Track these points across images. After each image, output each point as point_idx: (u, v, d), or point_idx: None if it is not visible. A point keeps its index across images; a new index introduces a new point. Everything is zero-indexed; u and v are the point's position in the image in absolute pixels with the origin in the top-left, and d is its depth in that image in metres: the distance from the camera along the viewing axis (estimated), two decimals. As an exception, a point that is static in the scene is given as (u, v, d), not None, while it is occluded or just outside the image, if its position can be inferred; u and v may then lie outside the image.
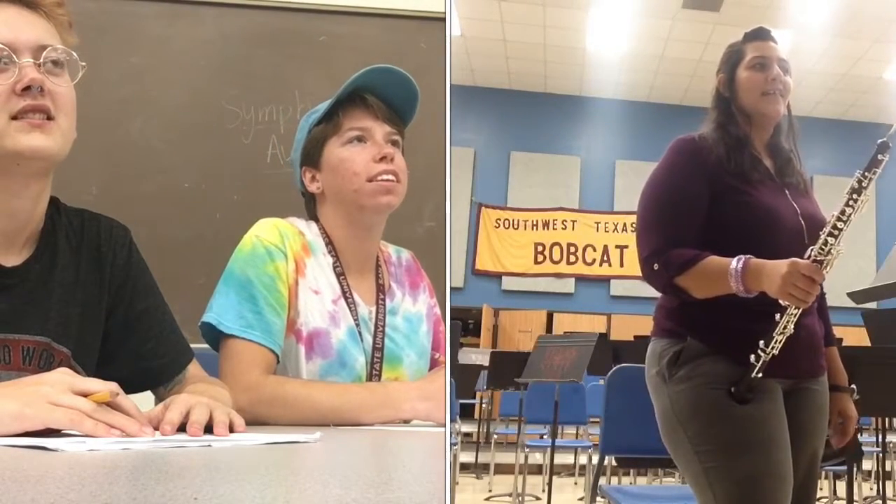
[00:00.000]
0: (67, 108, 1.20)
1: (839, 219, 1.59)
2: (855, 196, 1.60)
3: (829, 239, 1.58)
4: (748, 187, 1.71)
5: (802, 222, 1.72)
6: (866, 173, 1.61)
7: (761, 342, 1.60)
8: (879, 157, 1.61)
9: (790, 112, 1.82)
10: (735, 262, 1.59)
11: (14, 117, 1.15)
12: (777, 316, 1.60)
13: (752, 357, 1.60)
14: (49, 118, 1.17)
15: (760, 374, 1.60)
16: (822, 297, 1.85)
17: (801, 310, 1.58)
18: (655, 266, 1.66)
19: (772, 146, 1.81)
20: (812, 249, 1.58)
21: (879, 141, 1.62)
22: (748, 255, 1.59)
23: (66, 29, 1.24)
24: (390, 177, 1.60)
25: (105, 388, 0.97)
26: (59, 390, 0.95)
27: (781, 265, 1.55)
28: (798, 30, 8.80)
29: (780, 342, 1.60)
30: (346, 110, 1.64)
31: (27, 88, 1.15)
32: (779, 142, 1.82)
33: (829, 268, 1.57)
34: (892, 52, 9.48)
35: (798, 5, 8.38)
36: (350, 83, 1.63)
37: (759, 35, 1.82)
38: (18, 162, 1.16)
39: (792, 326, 1.60)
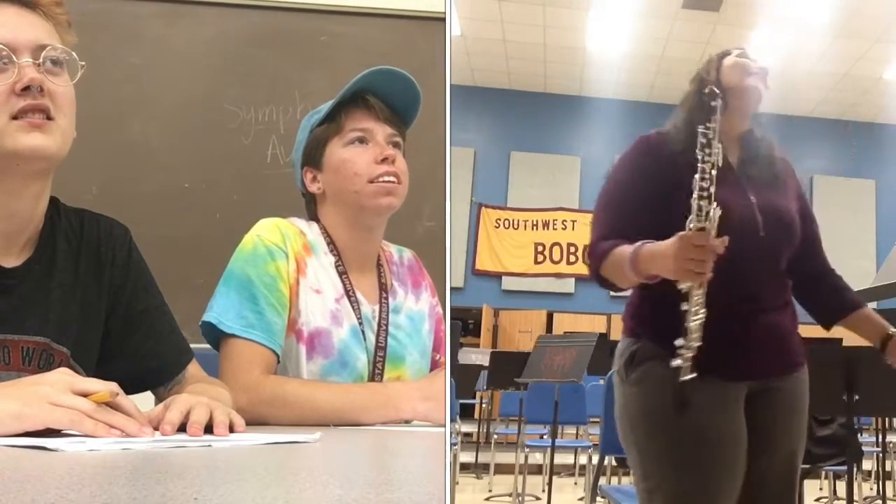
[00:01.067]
0: (67, 107, 1.20)
1: (702, 178, 1.53)
2: (707, 150, 1.54)
3: (701, 203, 1.52)
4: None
5: (759, 216, 1.70)
6: (708, 125, 1.55)
7: (679, 340, 1.52)
8: (712, 104, 1.56)
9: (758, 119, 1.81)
10: (630, 249, 1.55)
11: (14, 117, 1.15)
12: (689, 307, 1.53)
13: (677, 360, 1.52)
14: (48, 118, 1.17)
15: (694, 374, 1.52)
16: (822, 276, 1.84)
17: (704, 289, 1.51)
18: (587, 260, 1.67)
19: (743, 138, 1.79)
20: (690, 220, 1.51)
21: (707, 90, 1.57)
22: (646, 241, 1.54)
23: (65, 28, 1.24)
24: (391, 178, 1.60)
25: (105, 388, 0.97)
26: (58, 390, 0.95)
27: (669, 243, 1.49)
28: (798, 30, 8.80)
29: (696, 332, 1.52)
30: (349, 111, 1.64)
31: (27, 88, 1.15)
32: (751, 134, 1.80)
33: (713, 230, 1.49)
34: (892, 52, 9.48)
35: (798, 5, 8.37)
36: (353, 84, 1.63)
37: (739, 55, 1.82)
38: (18, 162, 1.16)
39: (703, 310, 1.52)
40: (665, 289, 1.59)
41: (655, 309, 1.68)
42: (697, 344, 1.53)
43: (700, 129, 1.56)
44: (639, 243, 1.55)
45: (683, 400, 1.56)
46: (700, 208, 1.51)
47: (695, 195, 1.53)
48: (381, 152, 1.61)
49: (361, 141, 1.63)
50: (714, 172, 1.54)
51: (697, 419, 1.62)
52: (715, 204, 1.51)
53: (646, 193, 1.69)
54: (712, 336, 1.62)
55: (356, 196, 1.61)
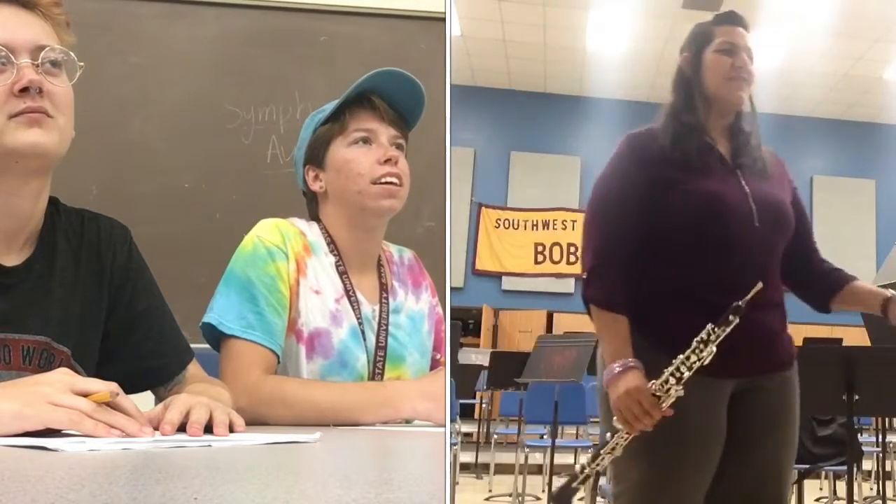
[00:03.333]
0: (65, 107, 1.20)
1: (684, 363, 1.55)
2: (701, 346, 1.56)
3: (670, 378, 1.55)
4: (691, 175, 1.68)
5: (753, 205, 1.68)
6: (716, 329, 1.56)
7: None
8: (731, 317, 1.58)
9: (753, 103, 1.78)
10: (616, 365, 1.59)
11: (12, 118, 1.15)
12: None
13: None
14: (48, 117, 1.17)
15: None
16: (812, 264, 1.83)
17: (630, 435, 1.57)
18: (585, 275, 1.68)
19: (731, 128, 1.77)
20: (654, 383, 1.55)
21: (734, 304, 1.57)
22: (632, 364, 1.58)
23: (64, 28, 1.24)
24: (394, 180, 1.60)
25: (105, 388, 0.97)
26: (59, 390, 0.95)
27: (630, 381, 1.55)
28: (798, 30, 8.80)
29: (603, 461, 1.58)
30: (353, 111, 1.64)
31: (25, 89, 1.15)
32: (739, 124, 1.78)
33: (665, 405, 1.54)
34: (892, 52, 9.47)
35: (798, 5, 8.37)
36: (358, 84, 1.63)
37: (730, 19, 1.80)
38: (17, 160, 1.16)
39: (620, 444, 1.58)
40: (650, 281, 1.61)
41: (646, 303, 1.67)
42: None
43: (709, 327, 1.56)
44: (628, 363, 1.58)
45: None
46: (667, 381, 1.55)
47: (670, 370, 1.55)
48: (385, 153, 1.61)
49: (365, 141, 1.63)
50: (698, 366, 1.56)
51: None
52: (680, 387, 1.54)
53: (637, 194, 1.68)
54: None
55: (358, 196, 1.61)
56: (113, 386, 0.98)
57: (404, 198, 1.64)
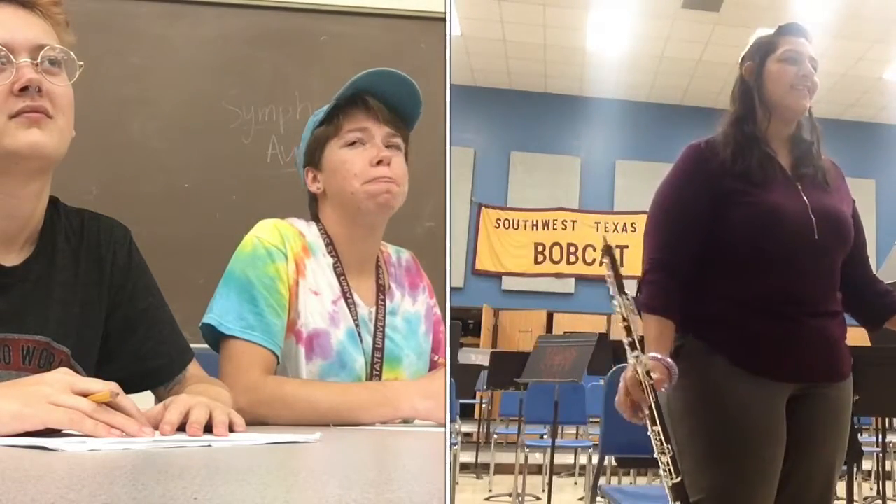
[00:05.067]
0: (65, 107, 1.20)
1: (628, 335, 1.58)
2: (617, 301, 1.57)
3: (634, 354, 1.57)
4: (753, 188, 1.70)
5: (812, 217, 1.70)
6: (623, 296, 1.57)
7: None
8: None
9: (811, 114, 1.80)
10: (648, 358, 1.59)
11: (12, 118, 1.15)
12: None
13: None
14: (47, 117, 1.17)
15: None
16: (867, 281, 1.83)
17: (660, 428, 1.56)
18: (639, 288, 1.70)
19: (792, 139, 1.79)
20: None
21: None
22: (658, 357, 1.59)
23: (63, 28, 1.24)
24: (387, 180, 1.60)
25: (105, 388, 0.97)
26: (59, 390, 0.95)
27: (623, 385, 1.57)
28: (798, 30, 8.80)
29: (668, 464, 1.57)
30: (347, 112, 1.64)
31: (25, 89, 1.15)
32: (800, 134, 1.79)
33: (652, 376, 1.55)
34: (892, 52, 9.48)
35: (798, 5, 8.37)
36: (350, 85, 1.63)
37: (794, 30, 1.82)
38: (17, 161, 1.16)
39: (665, 445, 1.57)
40: (711, 288, 1.63)
41: (702, 306, 1.69)
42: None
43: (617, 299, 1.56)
44: (659, 358, 1.59)
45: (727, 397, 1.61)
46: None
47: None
48: (378, 154, 1.61)
49: (360, 142, 1.62)
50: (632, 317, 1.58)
51: (740, 416, 1.63)
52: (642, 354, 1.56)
53: (698, 206, 1.70)
54: (759, 336, 1.64)
55: (352, 197, 1.62)
56: (113, 386, 0.98)
57: (401, 196, 1.63)
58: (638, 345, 1.56)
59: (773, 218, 1.68)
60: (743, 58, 1.84)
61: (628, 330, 1.56)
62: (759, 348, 1.66)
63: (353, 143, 1.62)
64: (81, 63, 1.22)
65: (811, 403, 1.70)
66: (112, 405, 0.97)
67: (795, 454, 1.68)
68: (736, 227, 1.68)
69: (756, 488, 1.63)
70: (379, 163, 1.60)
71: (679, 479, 1.54)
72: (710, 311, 1.68)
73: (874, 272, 1.90)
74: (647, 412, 1.55)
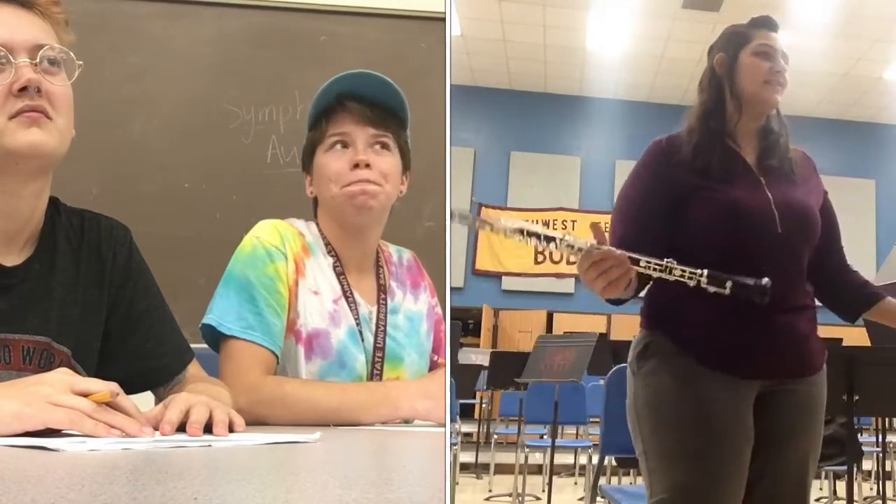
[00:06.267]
0: (64, 107, 1.20)
1: (664, 269, 1.54)
2: (690, 275, 1.54)
3: (551, 245, 1.54)
4: (714, 184, 1.68)
5: (775, 211, 1.68)
6: (702, 278, 1.54)
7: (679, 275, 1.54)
8: (726, 284, 1.56)
9: (779, 110, 1.80)
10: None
11: (11, 118, 1.15)
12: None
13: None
14: (47, 117, 1.17)
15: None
16: (841, 272, 1.82)
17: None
18: None
19: (760, 131, 1.78)
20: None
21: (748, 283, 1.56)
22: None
23: (63, 27, 1.24)
24: (365, 184, 1.59)
25: (105, 388, 0.97)
26: (59, 390, 0.95)
27: (585, 279, 1.54)
28: (798, 30, 8.80)
29: (681, 273, 1.55)
30: (329, 116, 1.64)
31: (24, 89, 1.15)
32: (769, 126, 1.78)
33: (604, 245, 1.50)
34: (892, 52, 9.47)
35: (798, 5, 8.37)
36: (328, 90, 1.64)
37: (767, 24, 1.80)
38: (17, 160, 1.16)
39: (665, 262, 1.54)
40: (676, 285, 1.60)
41: (669, 303, 1.68)
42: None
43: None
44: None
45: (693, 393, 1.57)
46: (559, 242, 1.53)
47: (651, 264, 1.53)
48: (355, 157, 1.60)
49: (344, 145, 1.63)
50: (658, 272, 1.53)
51: (705, 413, 1.62)
52: (562, 233, 1.52)
53: (657, 203, 1.69)
54: (725, 333, 1.63)
55: (332, 201, 1.63)
56: (113, 386, 0.98)
57: (386, 197, 1.62)
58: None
59: (734, 214, 1.66)
60: (712, 47, 1.81)
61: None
62: (725, 346, 1.64)
63: (335, 148, 1.63)
64: (81, 63, 1.22)
65: (780, 400, 1.69)
66: (112, 405, 0.97)
67: (766, 452, 1.67)
68: (697, 224, 1.67)
69: (722, 485, 1.62)
70: (356, 166, 1.60)
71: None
72: (675, 308, 1.66)
73: (876, 272, 1.90)
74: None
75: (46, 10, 1.22)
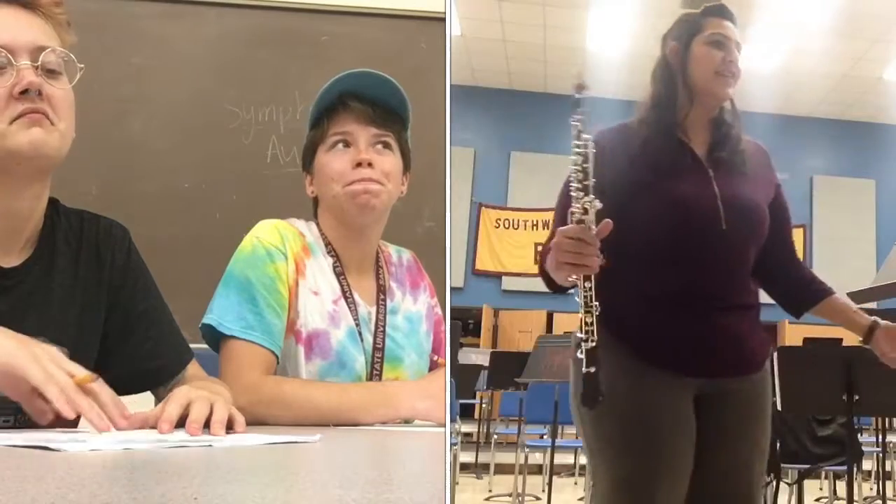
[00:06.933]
0: (65, 111, 1.20)
1: (577, 172, 1.46)
2: (577, 143, 1.46)
3: (579, 194, 1.45)
4: (660, 178, 1.65)
5: (721, 206, 1.64)
6: (576, 117, 1.45)
7: (578, 332, 1.51)
8: (577, 96, 1.44)
9: (733, 101, 1.73)
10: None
11: (13, 121, 1.15)
12: (579, 300, 1.51)
13: (578, 352, 1.50)
14: (48, 120, 1.17)
15: (593, 369, 1.50)
16: (789, 267, 1.79)
17: (592, 283, 1.48)
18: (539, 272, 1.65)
19: (712, 122, 1.73)
20: (572, 215, 1.46)
21: (576, 84, 1.44)
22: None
23: (65, 28, 1.24)
24: (368, 183, 1.59)
25: (86, 373, 1.04)
26: (51, 358, 1.03)
27: (556, 240, 1.46)
28: (798, 30, 8.80)
29: (591, 325, 1.50)
30: (331, 115, 1.64)
31: (25, 91, 1.15)
32: (722, 117, 1.73)
33: (593, 224, 1.44)
34: (892, 52, 9.47)
35: (798, 5, 8.37)
36: (331, 88, 1.63)
37: (721, 12, 1.75)
38: (19, 161, 1.16)
39: (593, 302, 1.50)
40: (619, 280, 1.58)
41: (612, 298, 1.67)
42: (593, 339, 1.51)
43: (571, 121, 1.47)
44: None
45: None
46: (579, 199, 1.46)
47: (574, 186, 1.46)
48: (357, 156, 1.61)
49: (345, 144, 1.63)
50: (588, 165, 1.46)
51: (642, 410, 1.60)
52: (592, 196, 1.45)
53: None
54: (664, 330, 1.62)
55: (335, 201, 1.62)
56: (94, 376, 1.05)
57: (388, 197, 1.63)
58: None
59: (679, 209, 1.63)
60: (665, 36, 1.78)
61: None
62: (664, 343, 1.62)
63: (337, 147, 1.63)
64: (82, 66, 1.22)
65: (722, 399, 1.66)
66: (90, 393, 1.02)
67: (710, 451, 1.65)
68: (641, 219, 1.63)
69: (660, 481, 1.60)
70: (359, 165, 1.60)
71: (594, 345, 1.49)
72: (617, 303, 1.62)
73: (876, 272, 1.88)
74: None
75: (49, 11, 1.22)
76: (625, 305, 1.64)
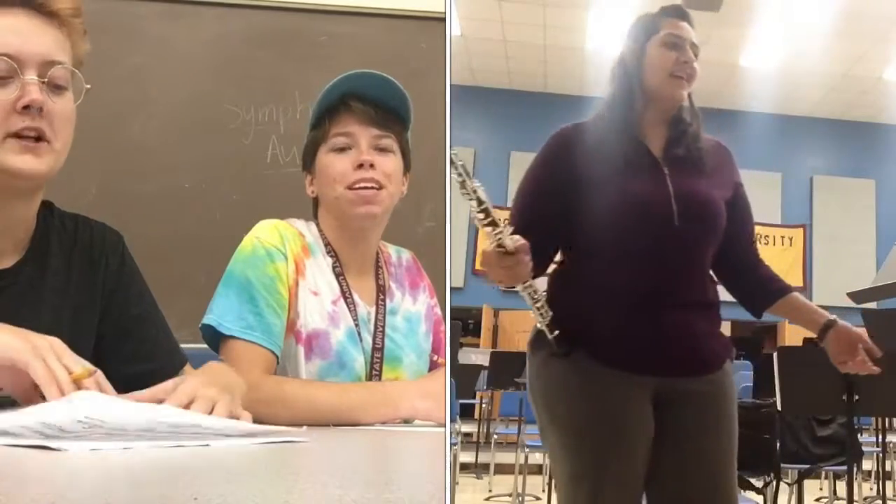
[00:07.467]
0: (64, 129, 1.19)
1: (479, 215, 1.51)
2: (465, 192, 1.50)
3: (487, 229, 1.49)
4: (614, 175, 1.65)
5: (675, 205, 1.64)
6: (455, 173, 1.48)
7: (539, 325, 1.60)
8: (456, 177, 1.50)
9: (692, 101, 1.74)
10: None
11: (9, 136, 1.14)
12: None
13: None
14: (45, 139, 1.16)
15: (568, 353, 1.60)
16: (749, 266, 1.79)
17: (528, 288, 1.56)
18: None
19: (670, 121, 1.73)
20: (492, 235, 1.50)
21: (451, 155, 1.43)
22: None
23: (81, 37, 1.23)
24: (369, 184, 1.60)
25: (84, 369, 1.04)
26: (55, 350, 1.03)
27: (483, 259, 1.51)
28: (798, 30, 8.80)
29: (543, 315, 1.59)
30: (332, 116, 1.64)
31: (27, 107, 1.14)
32: (680, 115, 1.73)
33: (505, 248, 1.47)
34: (892, 52, 9.47)
35: (798, 5, 8.37)
36: (333, 89, 1.63)
37: (677, 13, 1.75)
38: (7, 179, 1.16)
39: (539, 302, 1.59)
40: (574, 278, 1.61)
41: (565, 293, 1.67)
42: (545, 327, 1.60)
43: (452, 175, 1.48)
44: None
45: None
46: (491, 234, 1.50)
47: (479, 220, 1.50)
48: (359, 158, 1.60)
49: (347, 146, 1.63)
50: (485, 205, 1.51)
51: (595, 408, 1.60)
52: (502, 227, 1.49)
53: (553, 196, 1.66)
54: (618, 328, 1.62)
55: (336, 202, 1.62)
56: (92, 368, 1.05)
57: (388, 199, 1.63)
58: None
59: (632, 207, 1.63)
60: (626, 35, 1.78)
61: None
62: (618, 341, 1.62)
63: (338, 148, 1.62)
64: (88, 86, 1.21)
65: (681, 399, 1.64)
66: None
67: (668, 452, 1.64)
68: (595, 216, 1.64)
69: (611, 475, 1.60)
70: (360, 166, 1.60)
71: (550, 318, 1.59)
72: (573, 301, 1.64)
73: (876, 272, 1.88)
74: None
75: (67, 20, 1.20)
76: (580, 303, 1.65)
